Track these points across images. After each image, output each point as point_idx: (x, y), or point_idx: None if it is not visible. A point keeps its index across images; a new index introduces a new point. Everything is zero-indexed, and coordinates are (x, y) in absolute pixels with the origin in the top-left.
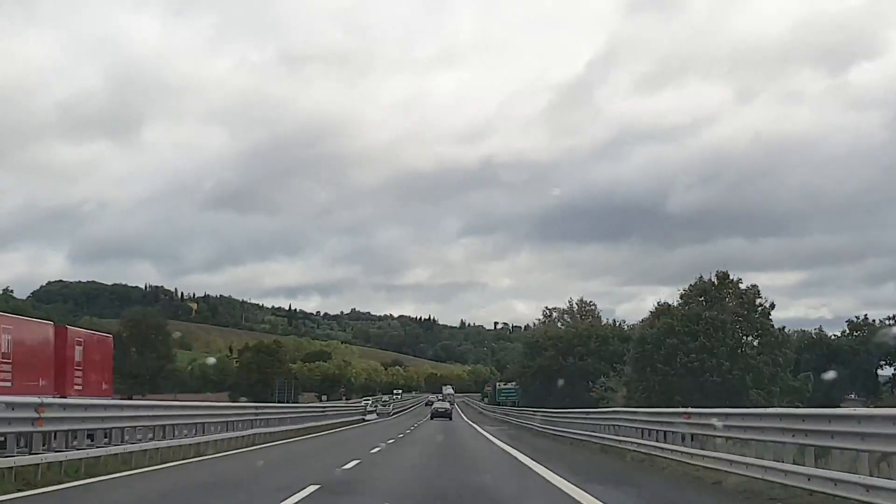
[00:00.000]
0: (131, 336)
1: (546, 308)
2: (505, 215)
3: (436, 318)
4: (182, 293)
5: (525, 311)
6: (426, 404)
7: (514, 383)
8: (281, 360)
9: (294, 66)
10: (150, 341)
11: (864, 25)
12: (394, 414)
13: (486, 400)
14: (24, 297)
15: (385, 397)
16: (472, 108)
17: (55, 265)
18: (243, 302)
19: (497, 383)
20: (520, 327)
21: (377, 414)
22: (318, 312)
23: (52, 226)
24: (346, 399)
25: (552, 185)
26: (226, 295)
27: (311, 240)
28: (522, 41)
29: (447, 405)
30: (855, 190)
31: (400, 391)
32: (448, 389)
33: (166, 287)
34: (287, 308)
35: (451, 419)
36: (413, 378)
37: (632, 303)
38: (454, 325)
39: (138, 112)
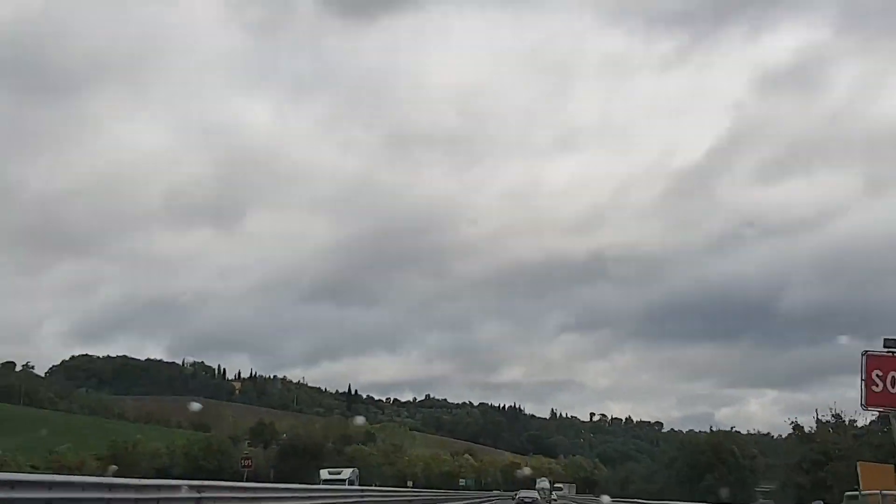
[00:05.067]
0: None
1: None
2: (610, 311)
3: (521, 407)
4: (224, 370)
5: (619, 414)
6: None
7: None
8: None
9: (404, 150)
10: None
11: None
12: None
13: None
14: (43, 374)
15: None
16: (585, 198)
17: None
18: (299, 384)
19: None
20: (620, 420)
21: None
22: (387, 399)
23: (149, 316)
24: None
25: (663, 280)
26: (279, 376)
27: (409, 335)
28: (644, 127)
29: (535, 496)
30: None
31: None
32: (543, 483)
33: (207, 363)
34: (348, 391)
35: None
36: (487, 470)
37: (733, 407)
38: (543, 415)
39: (244, 201)
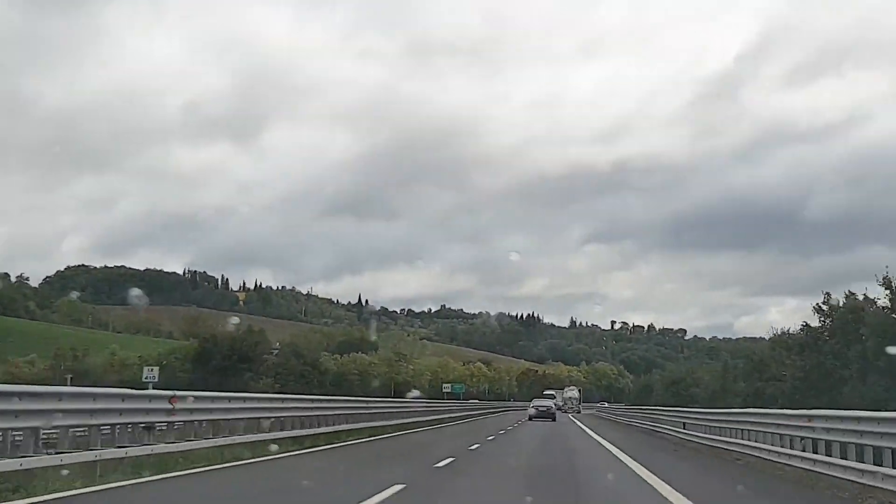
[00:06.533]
0: None
1: None
2: (634, 222)
3: (540, 316)
4: (228, 280)
5: (642, 324)
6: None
7: None
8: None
9: (424, 59)
10: None
11: None
12: None
13: None
14: (37, 284)
15: None
16: (610, 107)
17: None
18: (308, 295)
19: None
20: (642, 328)
21: None
22: (401, 311)
23: (167, 231)
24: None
25: (688, 190)
26: (288, 287)
27: (429, 248)
28: (672, 33)
29: (551, 404)
30: None
31: None
32: (571, 392)
33: (210, 273)
34: (358, 301)
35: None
36: (503, 379)
37: (754, 315)
38: (562, 325)
39: (263, 114)
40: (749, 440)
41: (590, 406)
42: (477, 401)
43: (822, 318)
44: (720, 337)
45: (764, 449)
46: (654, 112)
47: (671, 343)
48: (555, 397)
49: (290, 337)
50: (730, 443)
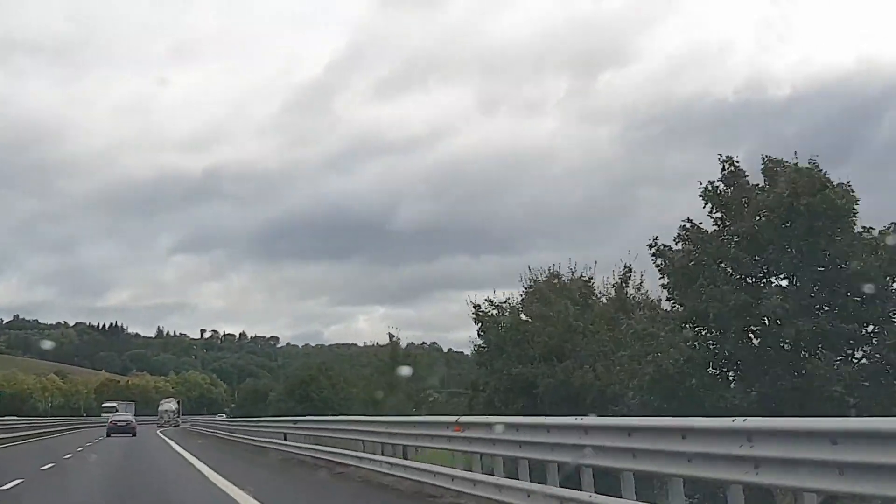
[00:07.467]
0: None
1: None
2: (226, 231)
3: (124, 326)
4: None
5: (233, 333)
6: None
7: None
8: None
9: (3, 57)
10: None
11: (618, 33)
12: None
13: None
14: None
15: None
16: (203, 113)
17: None
18: None
19: None
20: (233, 336)
21: None
22: None
23: None
24: None
25: (280, 198)
26: None
27: (5, 258)
28: (264, 40)
29: (130, 418)
30: (578, 206)
31: None
32: (169, 404)
33: None
34: None
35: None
36: (80, 392)
37: (343, 324)
38: (148, 334)
39: None
40: None
41: (186, 419)
42: (15, 417)
43: (720, 211)
44: (313, 344)
45: None
46: (248, 119)
47: (264, 351)
48: (116, 410)
49: None
50: None
